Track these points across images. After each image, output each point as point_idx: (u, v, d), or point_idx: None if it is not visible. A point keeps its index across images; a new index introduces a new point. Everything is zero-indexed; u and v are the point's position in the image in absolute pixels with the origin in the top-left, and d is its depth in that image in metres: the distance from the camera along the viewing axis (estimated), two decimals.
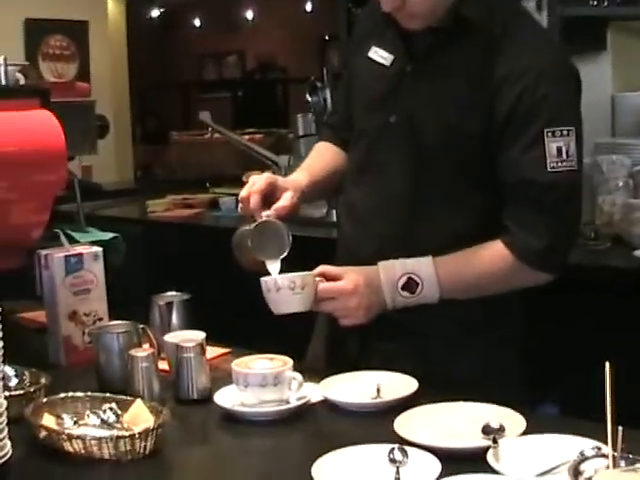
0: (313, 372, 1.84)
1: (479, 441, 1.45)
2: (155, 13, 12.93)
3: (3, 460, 1.44)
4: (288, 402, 1.69)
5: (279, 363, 1.71)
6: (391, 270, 1.93)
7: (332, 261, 2.04)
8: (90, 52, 7.54)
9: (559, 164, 1.85)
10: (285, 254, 1.91)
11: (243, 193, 1.96)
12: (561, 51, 1.98)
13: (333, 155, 2.24)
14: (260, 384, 1.66)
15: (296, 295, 1.84)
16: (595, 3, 3.61)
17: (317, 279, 1.89)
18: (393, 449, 1.41)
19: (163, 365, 1.86)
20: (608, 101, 3.78)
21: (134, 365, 1.74)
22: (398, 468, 1.37)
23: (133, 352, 1.75)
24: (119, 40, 8.66)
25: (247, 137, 5.92)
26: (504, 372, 1.98)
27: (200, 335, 1.83)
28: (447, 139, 1.91)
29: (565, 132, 1.85)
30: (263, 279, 1.87)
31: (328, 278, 1.91)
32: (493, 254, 1.92)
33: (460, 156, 1.92)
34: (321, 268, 1.93)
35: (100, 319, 2.09)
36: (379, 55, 2.04)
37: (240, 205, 1.98)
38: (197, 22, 13.02)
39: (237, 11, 12.39)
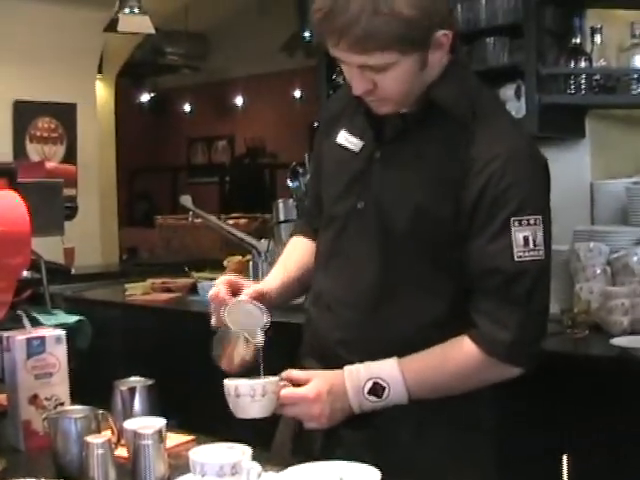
0: (275, 461, 1.80)
1: None
2: (145, 97, 13.06)
3: None
4: None
5: (238, 452, 1.66)
6: (356, 375, 1.90)
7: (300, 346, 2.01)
8: (78, 135, 7.59)
9: (526, 254, 1.83)
10: (265, 325, 1.91)
11: (211, 292, 1.97)
12: (529, 140, 1.96)
13: (307, 250, 2.22)
14: (217, 474, 1.61)
15: (255, 402, 1.82)
16: (573, 91, 3.64)
17: (282, 383, 1.87)
18: None
19: (123, 452, 1.82)
20: (587, 188, 3.79)
21: (90, 451, 1.69)
22: None
23: (89, 438, 1.71)
24: (108, 123, 8.74)
25: (232, 222, 5.93)
26: (472, 458, 1.95)
27: (160, 422, 1.78)
28: (416, 224, 1.89)
29: (532, 221, 1.84)
30: (225, 382, 1.86)
31: (293, 383, 1.89)
32: (461, 352, 1.89)
33: (430, 241, 1.90)
34: (287, 373, 1.91)
35: (62, 404, 2.04)
36: (348, 141, 2.04)
37: (212, 306, 1.97)
38: (187, 107, 13.16)
39: (227, 97, 12.54)
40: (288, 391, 1.87)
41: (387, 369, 1.89)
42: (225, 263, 4.87)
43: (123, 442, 1.85)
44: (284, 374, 1.90)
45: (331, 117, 2.15)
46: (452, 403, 1.92)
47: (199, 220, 5.82)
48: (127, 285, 4.57)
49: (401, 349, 1.90)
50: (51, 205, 2.17)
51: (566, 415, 2.75)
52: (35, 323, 2.19)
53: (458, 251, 1.89)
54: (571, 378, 2.74)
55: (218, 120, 12.62)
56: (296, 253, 2.25)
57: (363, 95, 1.90)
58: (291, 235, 2.35)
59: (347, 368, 1.91)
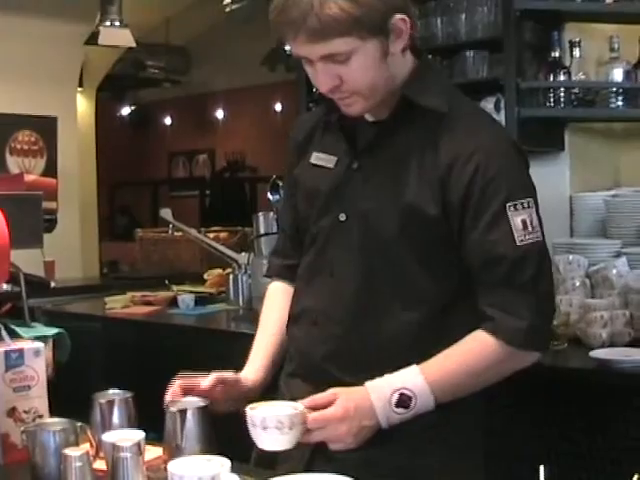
0: (255, 473, 1.79)
1: None
2: (126, 111, 13.04)
3: None
4: None
5: (217, 464, 1.64)
6: (380, 389, 1.86)
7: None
8: (59, 148, 7.56)
9: (526, 237, 1.84)
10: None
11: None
12: (502, 129, 2.01)
13: (287, 302, 2.16)
14: None
15: (283, 435, 1.77)
16: (552, 104, 3.66)
17: (306, 411, 1.81)
18: None
19: (102, 465, 1.81)
20: (566, 201, 3.81)
21: (68, 464, 1.68)
22: None
23: (67, 451, 1.70)
24: (88, 136, 8.72)
25: (212, 235, 5.91)
26: (458, 468, 1.95)
27: (139, 435, 1.77)
28: (405, 228, 1.89)
29: (526, 204, 1.85)
30: (249, 412, 1.80)
31: (317, 407, 1.84)
32: (479, 347, 1.88)
33: (419, 244, 1.90)
34: (310, 400, 1.86)
35: (40, 416, 2.03)
36: (321, 159, 2.05)
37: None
38: (168, 120, 13.15)
39: (208, 110, 12.53)
40: (315, 415, 1.82)
41: (410, 378, 1.86)
42: (205, 276, 4.87)
43: (102, 455, 1.84)
44: (307, 402, 1.85)
45: (298, 146, 2.15)
46: (443, 427, 1.92)
47: (179, 233, 5.82)
48: (107, 299, 4.55)
49: (392, 358, 1.90)
50: (30, 218, 2.16)
51: (545, 426, 2.75)
52: (14, 335, 2.17)
53: (449, 251, 1.90)
54: (550, 390, 2.74)
55: (199, 134, 12.61)
56: (276, 311, 2.19)
57: (330, 93, 1.89)
58: (268, 276, 2.31)
59: (368, 384, 1.87)
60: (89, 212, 8.39)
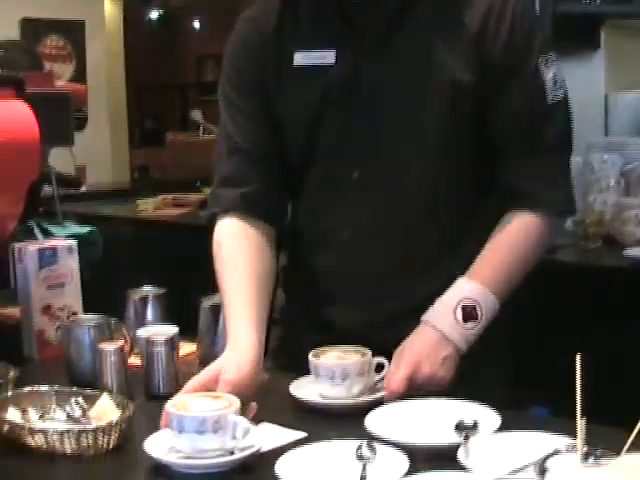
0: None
1: (451, 438, 1.41)
2: (154, 14, 12.91)
3: None
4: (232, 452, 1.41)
5: (223, 404, 1.42)
6: (438, 314, 1.68)
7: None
8: (87, 53, 7.52)
9: (555, 93, 1.72)
10: None
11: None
12: None
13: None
14: (197, 430, 1.37)
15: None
16: (588, 1, 3.58)
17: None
18: (361, 445, 1.36)
19: (137, 360, 1.82)
20: (601, 100, 3.75)
21: (103, 359, 1.69)
22: (365, 465, 1.32)
23: (102, 346, 1.71)
24: (116, 41, 8.65)
25: None
26: (488, 374, 1.83)
27: (172, 330, 1.78)
28: (454, 105, 1.71)
29: (553, 58, 1.73)
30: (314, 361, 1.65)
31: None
32: (520, 228, 1.74)
33: (450, 136, 1.73)
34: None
35: (74, 313, 2.04)
36: (313, 57, 1.75)
37: None
38: (196, 24, 13.01)
39: (236, 13, 12.34)
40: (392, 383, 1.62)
41: (463, 287, 1.69)
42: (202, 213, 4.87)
43: (136, 350, 1.85)
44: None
45: (263, 44, 1.82)
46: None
47: (210, 136, 5.80)
48: (139, 201, 4.58)
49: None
50: (60, 116, 2.14)
51: (577, 326, 2.75)
52: (47, 234, 2.18)
53: (475, 139, 1.75)
54: (583, 289, 2.73)
55: (228, 37, 12.47)
56: (247, 264, 1.74)
57: None
58: (214, 214, 1.83)
59: (424, 317, 1.68)
60: (118, 117, 8.37)
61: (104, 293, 2.11)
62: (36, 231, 2.12)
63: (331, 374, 1.62)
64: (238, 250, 1.76)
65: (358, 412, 1.53)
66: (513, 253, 1.74)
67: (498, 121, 1.74)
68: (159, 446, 1.41)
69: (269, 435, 1.46)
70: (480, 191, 1.82)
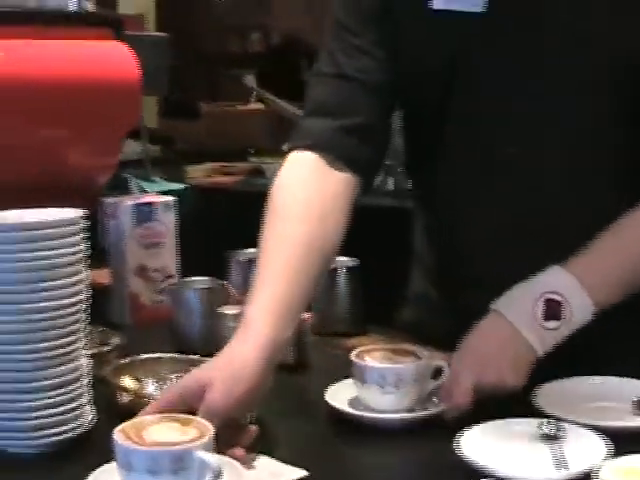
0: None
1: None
2: None
3: (89, 428, 1.26)
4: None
5: (191, 434, 1.06)
6: (515, 302, 1.37)
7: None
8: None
9: None
10: None
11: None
12: None
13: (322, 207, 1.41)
14: (149, 470, 1.01)
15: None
16: None
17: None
18: (542, 423, 1.21)
19: None
20: None
21: (222, 324, 1.55)
22: (557, 445, 1.16)
23: (222, 310, 1.56)
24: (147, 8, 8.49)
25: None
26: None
27: None
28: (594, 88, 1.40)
29: None
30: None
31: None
32: None
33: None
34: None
35: (170, 276, 1.88)
36: (453, 1, 1.39)
37: None
38: None
39: None
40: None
41: (552, 276, 1.36)
42: (284, 147, 4.72)
43: None
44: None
45: None
46: None
47: (246, 107, 5.67)
48: (188, 167, 4.47)
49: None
50: (157, 61, 1.97)
51: None
52: (138, 190, 2.02)
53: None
54: None
55: (252, 10, 12.32)
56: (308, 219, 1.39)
57: None
58: (295, 147, 1.50)
59: (494, 305, 1.37)
60: None
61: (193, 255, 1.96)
62: (132, 185, 1.96)
63: (381, 380, 1.31)
64: (303, 197, 1.41)
65: (403, 428, 1.30)
66: (628, 253, 1.41)
67: None
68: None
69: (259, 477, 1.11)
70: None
